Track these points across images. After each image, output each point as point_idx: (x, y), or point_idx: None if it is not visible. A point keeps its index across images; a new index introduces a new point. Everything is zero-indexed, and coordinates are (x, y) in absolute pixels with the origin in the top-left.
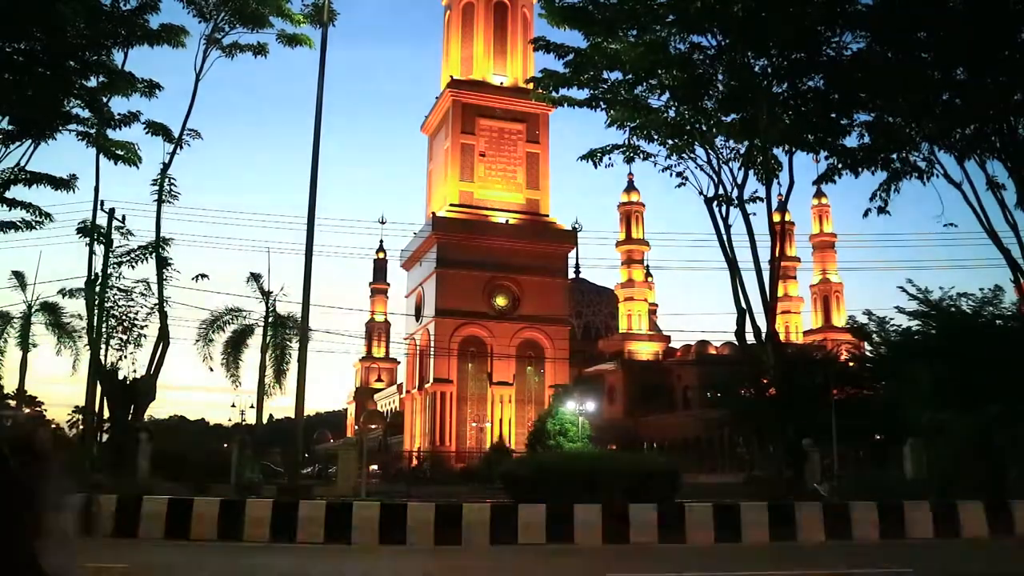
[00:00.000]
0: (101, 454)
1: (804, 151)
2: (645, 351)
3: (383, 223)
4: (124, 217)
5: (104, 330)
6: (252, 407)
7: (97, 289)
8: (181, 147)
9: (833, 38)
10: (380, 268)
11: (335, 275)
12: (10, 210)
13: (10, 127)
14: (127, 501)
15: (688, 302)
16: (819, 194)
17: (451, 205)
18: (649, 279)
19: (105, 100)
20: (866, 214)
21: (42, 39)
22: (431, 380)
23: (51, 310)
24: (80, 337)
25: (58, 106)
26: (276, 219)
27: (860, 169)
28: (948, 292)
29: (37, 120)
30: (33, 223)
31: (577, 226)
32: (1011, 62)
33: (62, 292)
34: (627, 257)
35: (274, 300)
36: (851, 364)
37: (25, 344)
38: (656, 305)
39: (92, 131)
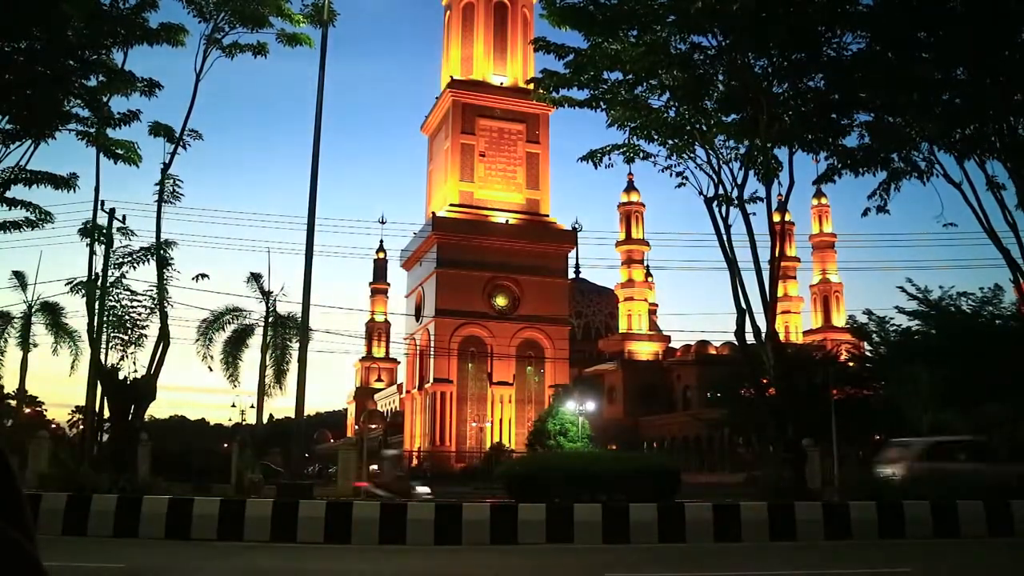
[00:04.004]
0: (101, 454)
1: (804, 151)
2: (645, 351)
3: (383, 223)
4: (124, 217)
5: (105, 330)
6: (252, 407)
7: (98, 289)
8: (184, 147)
9: (833, 38)
10: (380, 268)
11: (335, 275)
12: (10, 209)
13: (10, 127)
14: (127, 501)
15: (688, 302)
16: (819, 194)
17: (451, 205)
18: (649, 279)
19: (105, 99)
20: (865, 213)
21: (42, 39)
22: (431, 380)
23: (51, 310)
24: (80, 337)
25: (58, 106)
26: (276, 219)
27: (860, 169)
28: (948, 292)
29: (37, 120)
30: (35, 221)
31: (577, 226)
32: (1011, 62)
33: (69, 284)
34: (627, 257)
35: (274, 300)
36: (851, 364)
37: (25, 344)
38: (656, 305)
39: (92, 131)
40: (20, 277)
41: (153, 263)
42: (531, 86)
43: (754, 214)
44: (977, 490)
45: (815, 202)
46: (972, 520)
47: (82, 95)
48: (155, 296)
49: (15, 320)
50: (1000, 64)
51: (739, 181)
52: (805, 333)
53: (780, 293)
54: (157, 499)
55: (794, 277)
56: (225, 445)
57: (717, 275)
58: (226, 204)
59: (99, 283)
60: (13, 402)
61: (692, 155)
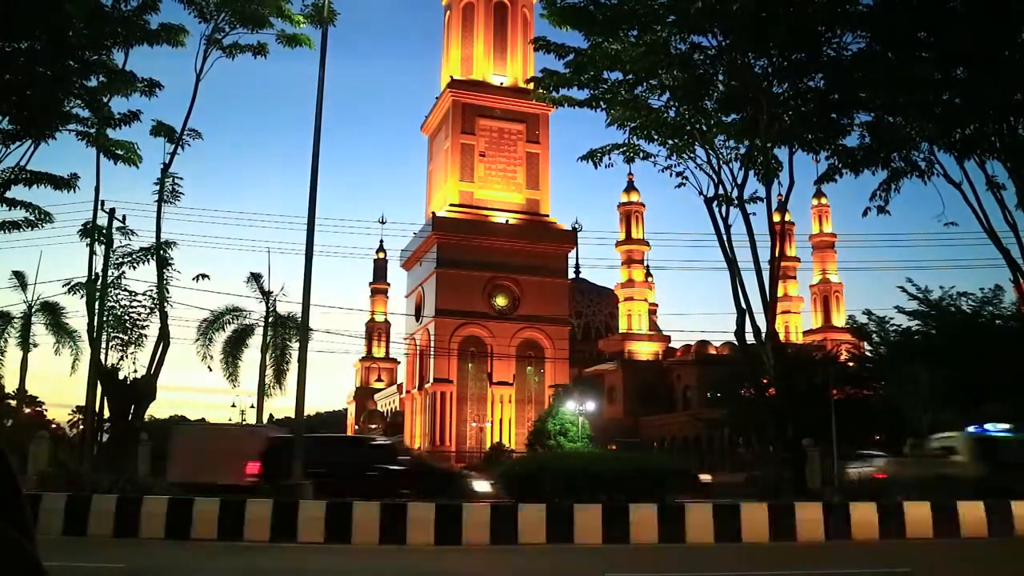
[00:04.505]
0: (101, 454)
1: (804, 151)
2: (645, 351)
3: (383, 223)
4: (124, 217)
5: (105, 330)
6: (252, 407)
7: (98, 289)
8: (183, 148)
9: (833, 38)
10: (380, 268)
11: (335, 275)
12: (10, 210)
13: (10, 127)
14: (127, 501)
15: (688, 302)
16: (819, 194)
17: (451, 205)
18: (649, 279)
19: (105, 100)
20: (866, 213)
21: (43, 39)
22: (431, 380)
23: (51, 310)
24: (80, 337)
25: (58, 106)
26: (276, 219)
27: (860, 169)
28: (948, 292)
29: (37, 120)
30: (35, 222)
31: (577, 226)
32: (1011, 62)
33: (68, 285)
34: (627, 257)
35: (274, 300)
36: (851, 364)
37: (25, 344)
38: (656, 305)
39: (92, 131)
40: (20, 277)
41: (153, 263)
42: (531, 86)
43: (754, 214)
44: (977, 490)
45: (815, 202)
46: (972, 520)
47: (82, 95)
48: (155, 296)
49: (15, 320)
50: (1000, 64)
51: (739, 181)
52: (805, 333)
53: (780, 293)
54: (157, 499)
55: (794, 277)
56: None
57: (717, 275)
58: (226, 204)
59: (99, 283)
60: (13, 402)
61: (692, 155)
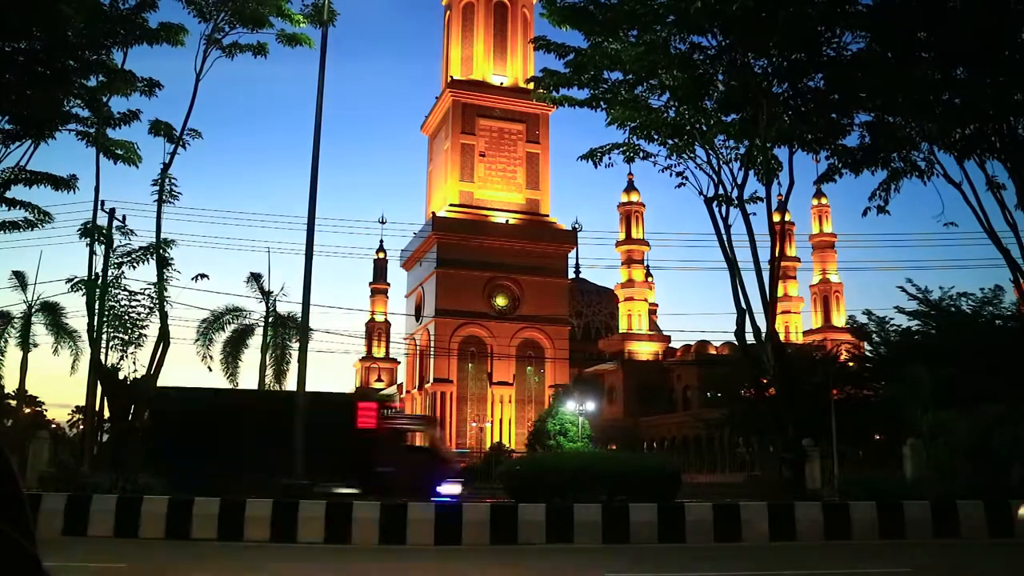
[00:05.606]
0: (101, 454)
1: (804, 151)
2: (645, 351)
3: (383, 223)
4: (124, 217)
5: (105, 330)
6: None
7: (98, 289)
8: (183, 147)
9: (833, 38)
10: (380, 268)
11: (335, 275)
12: (10, 210)
13: (10, 127)
14: (127, 501)
15: (688, 302)
16: (819, 194)
17: (451, 205)
18: (649, 279)
19: (105, 99)
20: (866, 213)
21: (42, 39)
22: (431, 380)
23: (51, 310)
24: (80, 337)
25: (58, 106)
26: (276, 219)
27: (860, 169)
28: (948, 292)
29: (37, 120)
30: (35, 222)
31: (577, 226)
32: (1011, 62)
33: (69, 283)
34: (627, 257)
35: (274, 300)
36: (851, 364)
37: (25, 344)
38: (656, 305)
39: (92, 131)
40: (20, 277)
41: (153, 263)
42: (531, 86)
43: (754, 214)
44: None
45: (815, 202)
46: (972, 520)
47: (82, 95)
48: (155, 296)
49: (15, 320)
50: (1000, 64)
51: (739, 181)
52: (805, 333)
53: (780, 293)
54: (157, 499)
55: (794, 277)
56: None
57: (717, 275)
58: (226, 204)
59: (99, 283)
60: (13, 402)
61: (692, 155)
